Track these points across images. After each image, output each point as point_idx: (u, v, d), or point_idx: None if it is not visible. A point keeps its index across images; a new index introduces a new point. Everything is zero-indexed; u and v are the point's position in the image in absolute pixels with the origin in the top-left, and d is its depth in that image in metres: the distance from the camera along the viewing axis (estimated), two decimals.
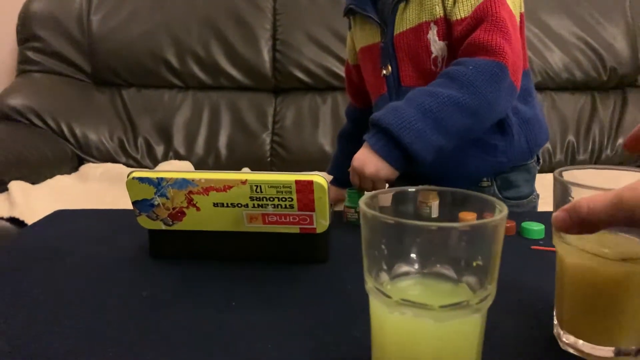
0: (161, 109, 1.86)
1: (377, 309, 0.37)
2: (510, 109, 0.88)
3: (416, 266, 0.38)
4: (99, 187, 1.49)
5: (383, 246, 0.36)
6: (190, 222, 0.62)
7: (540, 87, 1.82)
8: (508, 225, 0.74)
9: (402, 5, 0.89)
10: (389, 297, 0.35)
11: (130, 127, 1.84)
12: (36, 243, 0.73)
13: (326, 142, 1.81)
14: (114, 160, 1.79)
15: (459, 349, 0.35)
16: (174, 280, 0.60)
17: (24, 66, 1.91)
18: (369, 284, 0.37)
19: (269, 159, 1.82)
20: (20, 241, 0.74)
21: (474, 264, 0.36)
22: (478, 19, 0.81)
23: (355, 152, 0.82)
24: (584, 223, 0.36)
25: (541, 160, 1.01)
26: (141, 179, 0.59)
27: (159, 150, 1.81)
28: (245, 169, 1.66)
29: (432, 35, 0.86)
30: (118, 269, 0.64)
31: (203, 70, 1.87)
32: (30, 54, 1.90)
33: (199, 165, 1.76)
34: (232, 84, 1.88)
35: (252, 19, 1.87)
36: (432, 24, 0.86)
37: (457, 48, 0.85)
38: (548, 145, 1.77)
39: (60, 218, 0.85)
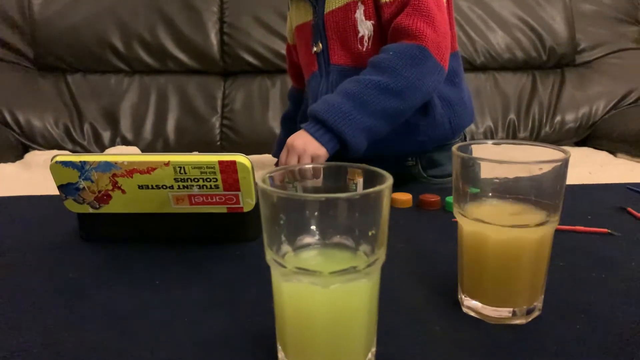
0: (107, 94, 1.83)
1: (276, 278, 0.39)
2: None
3: (317, 238, 0.40)
4: (43, 175, 1.46)
5: (281, 220, 0.38)
6: (117, 204, 0.63)
7: (483, 67, 1.87)
8: (433, 199, 0.78)
9: None
10: (284, 267, 0.37)
11: (76, 113, 1.80)
12: None
13: (276, 125, 1.82)
14: (60, 148, 1.75)
15: (350, 312, 0.38)
16: (101, 262, 0.61)
17: None
18: (268, 256, 0.39)
19: (219, 143, 1.82)
20: None
21: (370, 233, 0.38)
22: (403, 3, 0.84)
23: None
24: None
25: (467, 139, 1.05)
26: (64, 163, 0.60)
27: (106, 136, 1.78)
28: (195, 153, 1.66)
29: (359, 14, 0.89)
30: (48, 252, 0.64)
31: (149, 54, 1.84)
32: None
33: (147, 151, 1.74)
34: (179, 68, 1.86)
35: (199, 2, 1.85)
36: (359, 3, 0.89)
37: (386, 31, 0.87)
38: (490, 123, 1.82)
39: None
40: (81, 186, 0.62)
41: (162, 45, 1.84)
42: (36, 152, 1.71)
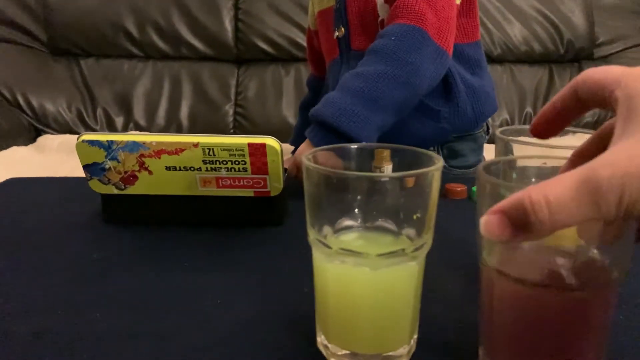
0: (120, 79, 1.82)
1: (319, 259, 0.38)
2: (458, 76, 0.89)
3: (359, 220, 0.39)
4: (56, 158, 1.46)
5: (325, 200, 0.37)
6: (143, 186, 0.62)
7: (500, 60, 1.85)
8: (459, 189, 0.76)
9: None
10: (329, 247, 0.36)
11: (89, 97, 1.80)
12: None
13: (289, 113, 1.81)
14: (73, 132, 1.75)
15: (396, 295, 0.37)
16: (126, 243, 0.61)
17: None
18: (311, 236, 0.38)
19: (232, 131, 1.81)
20: None
21: (414, 216, 0.37)
22: None
23: None
24: (538, 225, 0.26)
25: (491, 130, 1.03)
26: (91, 142, 0.59)
27: (119, 121, 1.78)
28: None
29: None
30: (70, 234, 0.63)
31: (163, 40, 1.83)
32: None
33: None
34: (193, 54, 1.85)
35: None
36: None
37: (390, 8, 0.85)
38: (506, 116, 1.80)
39: (13, 186, 0.83)
40: (107, 166, 0.61)
41: (176, 31, 1.83)
42: (49, 135, 1.71)
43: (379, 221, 0.39)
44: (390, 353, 0.38)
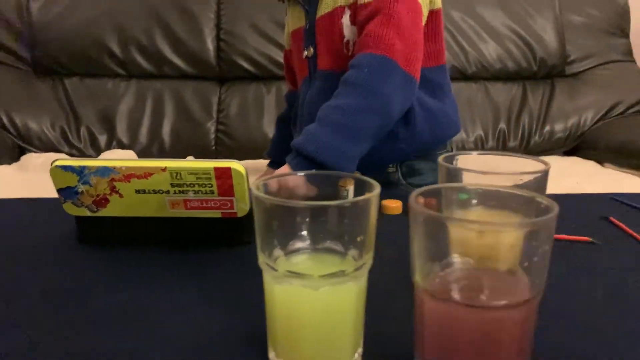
0: (104, 98, 1.84)
1: (268, 281, 0.41)
2: (415, 100, 0.92)
3: (308, 243, 0.42)
4: (39, 177, 1.48)
5: (274, 226, 0.40)
6: (114, 208, 0.65)
7: (474, 77, 1.90)
8: None
9: None
10: (276, 270, 0.39)
11: (73, 116, 1.82)
12: None
13: (271, 130, 1.83)
14: (57, 150, 1.76)
15: (338, 313, 0.40)
16: (98, 264, 0.63)
17: None
18: (260, 259, 0.41)
19: (214, 148, 1.83)
20: None
21: (358, 239, 0.40)
22: (377, 9, 0.85)
23: (292, 135, 0.86)
24: None
25: (454, 150, 1.06)
26: (64, 167, 0.62)
27: (102, 139, 1.80)
28: (190, 158, 1.69)
29: (346, 19, 0.91)
30: (45, 255, 0.66)
31: (146, 59, 1.86)
32: None
33: (142, 155, 1.76)
34: (176, 73, 1.88)
35: (195, 8, 1.88)
36: (346, 8, 0.91)
37: (358, 33, 0.88)
38: (480, 132, 1.85)
39: None
40: (80, 190, 0.64)
41: (159, 50, 1.86)
42: (32, 154, 1.72)
43: (327, 243, 0.42)
44: None
